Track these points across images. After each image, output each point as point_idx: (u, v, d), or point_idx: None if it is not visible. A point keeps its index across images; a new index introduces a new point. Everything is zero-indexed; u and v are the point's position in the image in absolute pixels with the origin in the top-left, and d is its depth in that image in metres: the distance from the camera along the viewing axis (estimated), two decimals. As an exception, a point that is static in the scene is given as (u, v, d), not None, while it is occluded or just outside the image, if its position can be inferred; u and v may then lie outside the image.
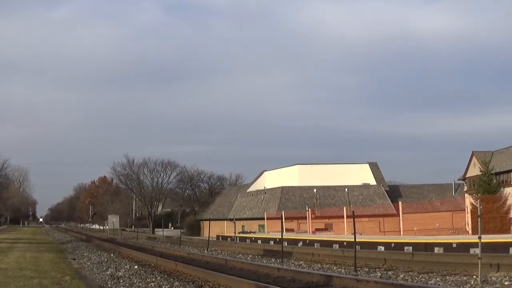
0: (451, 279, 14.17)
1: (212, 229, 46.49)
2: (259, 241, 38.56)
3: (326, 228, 50.73)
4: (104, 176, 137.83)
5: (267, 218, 56.81)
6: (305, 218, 51.47)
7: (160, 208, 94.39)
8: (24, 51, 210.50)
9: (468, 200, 48.23)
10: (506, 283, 12.96)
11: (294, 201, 62.01)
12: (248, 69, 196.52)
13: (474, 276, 13.92)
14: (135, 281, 14.57)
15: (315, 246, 29.78)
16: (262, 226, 59.18)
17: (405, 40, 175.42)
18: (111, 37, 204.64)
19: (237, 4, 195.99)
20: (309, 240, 33.42)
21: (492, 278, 13.82)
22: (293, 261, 21.96)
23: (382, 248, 25.28)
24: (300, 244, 32.55)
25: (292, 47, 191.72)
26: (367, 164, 69.76)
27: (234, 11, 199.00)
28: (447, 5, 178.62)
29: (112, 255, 25.61)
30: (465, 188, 53.89)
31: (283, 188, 64.49)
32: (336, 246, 28.33)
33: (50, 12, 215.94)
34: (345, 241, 28.74)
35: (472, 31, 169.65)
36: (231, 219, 54.84)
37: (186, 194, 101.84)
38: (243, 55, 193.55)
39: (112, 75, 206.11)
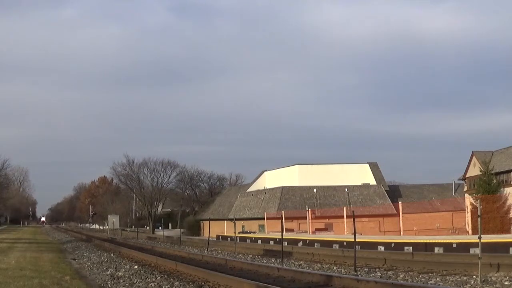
0: (451, 279, 14.17)
1: (212, 229, 46.46)
2: (259, 241, 38.56)
3: (326, 228, 50.74)
4: (104, 176, 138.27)
5: (267, 218, 56.83)
6: (305, 218, 51.50)
7: (160, 208, 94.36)
8: (27, 51, 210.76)
9: (468, 200, 48.30)
10: (506, 283, 12.95)
11: (294, 201, 62.03)
12: (249, 69, 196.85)
13: (474, 276, 13.91)
14: (135, 281, 14.57)
15: (315, 246, 29.78)
16: (262, 226, 59.21)
17: (407, 40, 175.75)
18: (115, 37, 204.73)
19: (241, 4, 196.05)
20: (309, 240, 33.42)
21: (492, 278, 13.81)
22: (293, 261, 21.94)
23: (382, 248, 25.28)
24: (300, 244, 32.55)
25: (294, 47, 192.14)
26: (367, 164, 69.81)
27: (238, 11, 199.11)
28: (451, 6, 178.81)
29: (112, 255, 25.60)
30: (465, 188, 53.84)
31: (283, 188, 64.50)
32: (336, 246, 28.33)
33: (55, 12, 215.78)
34: (345, 241, 28.74)
35: (473, 32, 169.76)
36: (231, 219, 54.83)
37: (186, 194, 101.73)
38: (246, 55, 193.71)
39: (113, 75, 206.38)
